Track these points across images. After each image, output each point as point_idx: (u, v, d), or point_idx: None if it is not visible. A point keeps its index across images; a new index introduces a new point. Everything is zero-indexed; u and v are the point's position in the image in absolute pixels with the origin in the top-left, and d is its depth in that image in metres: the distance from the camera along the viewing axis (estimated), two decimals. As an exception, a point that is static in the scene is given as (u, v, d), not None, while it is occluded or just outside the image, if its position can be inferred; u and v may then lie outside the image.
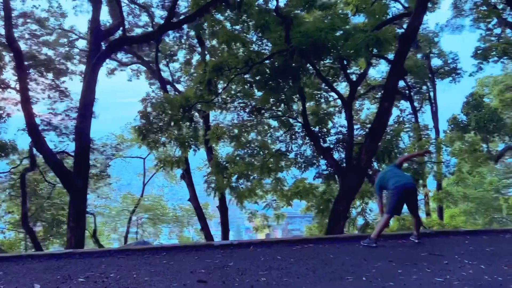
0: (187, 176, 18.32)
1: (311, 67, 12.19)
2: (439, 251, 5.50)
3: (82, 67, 18.45)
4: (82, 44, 20.39)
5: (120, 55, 20.81)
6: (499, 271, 4.45)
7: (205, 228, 18.61)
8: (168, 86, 19.44)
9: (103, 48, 13.57)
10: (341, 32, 11.03)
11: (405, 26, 16.03)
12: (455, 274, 4.31)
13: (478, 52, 22.23)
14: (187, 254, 5.45)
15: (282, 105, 13.72)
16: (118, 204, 28.46)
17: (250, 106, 14.30)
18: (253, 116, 14.38)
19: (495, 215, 28.38)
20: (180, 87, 20.39)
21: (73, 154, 13.79)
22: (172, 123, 12.68)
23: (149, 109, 12.89)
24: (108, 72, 21.32)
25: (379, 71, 24.81)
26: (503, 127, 21.50)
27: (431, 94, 24.75)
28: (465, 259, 4.99)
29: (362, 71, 16.10)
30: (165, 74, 20.37)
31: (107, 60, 19.63)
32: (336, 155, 13.85)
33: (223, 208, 17.91)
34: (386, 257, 5.18)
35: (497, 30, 21.88)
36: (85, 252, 5.47)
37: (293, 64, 11.34)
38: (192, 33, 17.04)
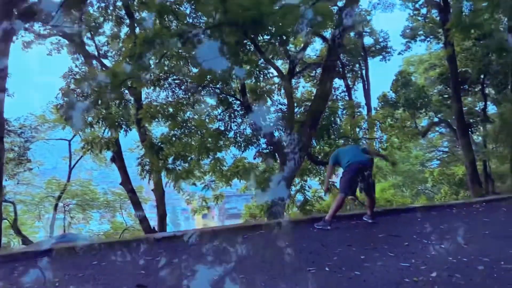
0: (118, 158, 17.15)
1: (249, 43, 11.67)
2: (396, 232, 5.28)
3: (-9, 39, 16.30)
4: (-10, 13, 17.99)
5: (38, 26, 18.71)
6: (460, 251, 4.30)
7: (139, 212, 17.68)
8: (94, 61, 17.87)
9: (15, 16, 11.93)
10: (279, 7, 10.58)
11: (340, 4, 15.94)
12: (420, 257, 4.07)
13: (407, 31, 23.04)
14: (122, 251, 4.71)
15: (220, 82, 13.08)
16: (42, 190, 26.38)
17: (185, 83, 13.48)
18: (189, 94, 13.60)
19: (419, 187, 30.35)
20: (107, 62, 18.85)
21: (-17, 137, 12.16)
22: (100, 102, 11.58)
23: (72, 86, 11.64)
24: (24, 46, 19.12)
25: (313, 49, 24.79)
26: (429, 103, 22.67)
27: (363, 72, 25.34)
28: (424, 239, 4.81)
29: (298, 48, 15.85)
30: (90, 49, 18.70)
31: (22, 32, 17.61)
32: (276, 134, 13.62)
33: (159, 191, 17.04)
34: (344, 241, 4.86)
35: (424, 10, 22.71)
36: (-6, 256, 4.53)
37: (230, 40, 10.71)
38: (119, 3, 15.66)
